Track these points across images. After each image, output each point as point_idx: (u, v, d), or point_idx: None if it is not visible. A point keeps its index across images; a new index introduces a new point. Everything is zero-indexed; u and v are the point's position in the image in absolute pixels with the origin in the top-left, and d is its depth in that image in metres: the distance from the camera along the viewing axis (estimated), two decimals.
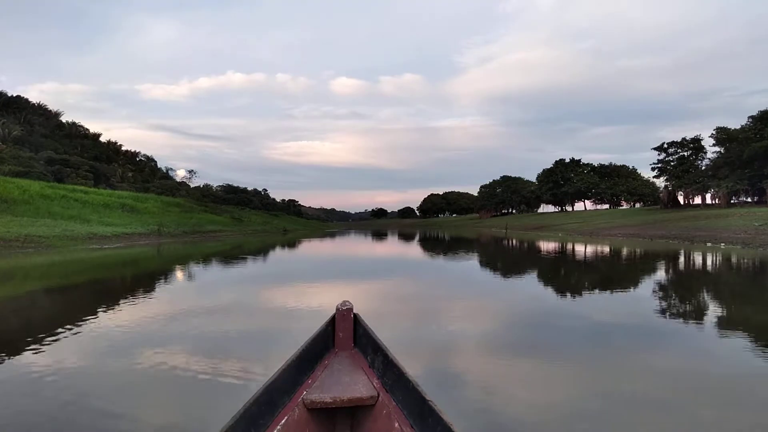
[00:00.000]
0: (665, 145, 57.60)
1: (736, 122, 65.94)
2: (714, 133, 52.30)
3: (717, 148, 52.37)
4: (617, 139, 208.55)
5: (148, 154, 78.69)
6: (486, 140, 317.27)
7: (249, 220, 48.44)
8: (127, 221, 28.95)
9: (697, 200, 54.16)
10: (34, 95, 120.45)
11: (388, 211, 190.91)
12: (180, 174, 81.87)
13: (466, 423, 2.39)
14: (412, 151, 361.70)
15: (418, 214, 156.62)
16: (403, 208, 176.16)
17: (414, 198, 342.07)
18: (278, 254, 18.39)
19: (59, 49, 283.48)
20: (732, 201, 46.68)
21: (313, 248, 23.32)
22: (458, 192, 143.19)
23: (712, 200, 49.42)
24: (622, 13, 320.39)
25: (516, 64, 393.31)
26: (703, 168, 53.69)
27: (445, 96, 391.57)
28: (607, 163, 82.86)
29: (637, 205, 78.97)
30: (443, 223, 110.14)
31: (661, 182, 59.58)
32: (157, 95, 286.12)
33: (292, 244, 26.64)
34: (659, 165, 58.25)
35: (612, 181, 79.05)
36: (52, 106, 72.28)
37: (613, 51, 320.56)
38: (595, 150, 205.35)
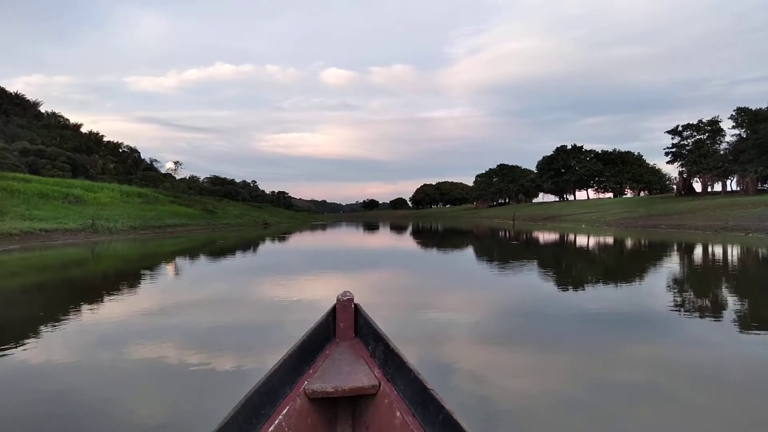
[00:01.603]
0: (680, 128, 53.17)
1: (722, 111, 62.89)
2: (734, 114, 47.95)
3: (736, 131, 48.17)
4: (608, 129, 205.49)
5: (138, 146, 78.00)
6: (477, 130, 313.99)
7: (224, 212, 42.58)
8: (62, 214, 23.54)
9: (717, 187, 49.98)
10: (19, 87, 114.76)
11: (380, 202, 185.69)
12: (168, 166, 78.80)
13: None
14: (403, 142, 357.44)
15: (410, 205, 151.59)
16: (395, 199, 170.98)
17: (405, 189, 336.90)
18: (231, 261, 13.33)
19: (44, 41, 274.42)
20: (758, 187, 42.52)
21: (287, 247, 18.31)
22: (452, 182, 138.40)
23: (737, 187, 45.08)
24: (613, 2, 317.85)
25: (506, 54, 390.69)
26: (722, 152, 49.36)
27: (436, 86, 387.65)
28: (610, 150, 78.47)
29: (642, 194, 74.93)
30: (437, 214, 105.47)
31: (674, 168, 55.13)
32: (144, 87, 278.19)
33: (265, 241, 21.56)
34: (673, 149, 53.82)
35: (616, 169, 74.70)
36: (39, 99, 72.25)
37: (605, 40, 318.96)
38: (587, 140, 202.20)
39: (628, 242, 16.89)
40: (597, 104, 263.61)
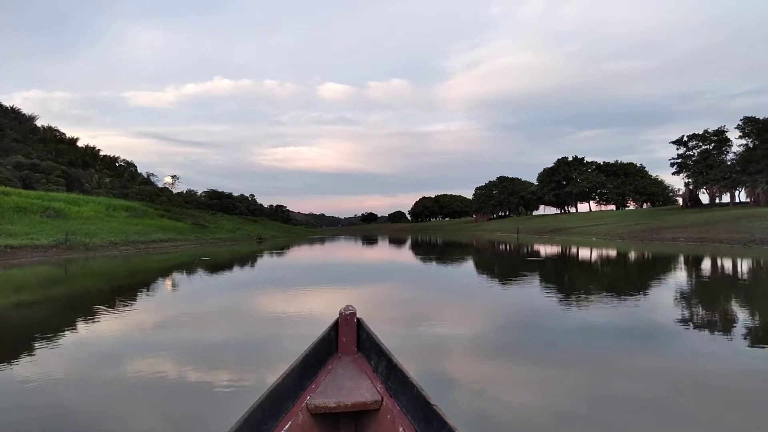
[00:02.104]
0: (685, 139, 52.05)
1: (718, 124, 62.90)
2: (741, 124, 46.93)
3: (743, 141, 47.06)
4: (605, 142, 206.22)
5: (135, 160, 79.13)
6: (475, 144, 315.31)
7: (216, 227, 40.81)
8: (38, 229, 21.92)
9: (725, 198, 48.63)
10: (17, 102, 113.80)
11: (379, 215, 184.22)
12: (165, 180, 78.66)
13: None
14: (401, 155, 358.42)
15: (409, 218, 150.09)
16: (394, 212, 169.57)
17: (403, 202, 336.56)
18: (207, 282, 11.68)
19: (43, 56, 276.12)
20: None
21: (279, 263, 16.67)
22: (451, 195, 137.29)
23: (747, 198, 43.74)
24: (608, 17, 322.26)
25: (502, 69, 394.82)
26: (729, 163, 48.12)
27: (433, 100, 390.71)
28: (612, 162, 77.38)
29: (645, 206, 73.53)
30: (437, 227, 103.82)
31: (680, 179, 53.89)
32: (143, 102, 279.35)
33: (256, 258, 19.90)
34: (678, 160, 52.60)
35: (619, 180, 73.45)
36: (35, 113, 72.55)
37: (600, 55, 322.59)
38: (584, 153, 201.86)
39: (661, 258, 15.30)
40: (593, 118, 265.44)
